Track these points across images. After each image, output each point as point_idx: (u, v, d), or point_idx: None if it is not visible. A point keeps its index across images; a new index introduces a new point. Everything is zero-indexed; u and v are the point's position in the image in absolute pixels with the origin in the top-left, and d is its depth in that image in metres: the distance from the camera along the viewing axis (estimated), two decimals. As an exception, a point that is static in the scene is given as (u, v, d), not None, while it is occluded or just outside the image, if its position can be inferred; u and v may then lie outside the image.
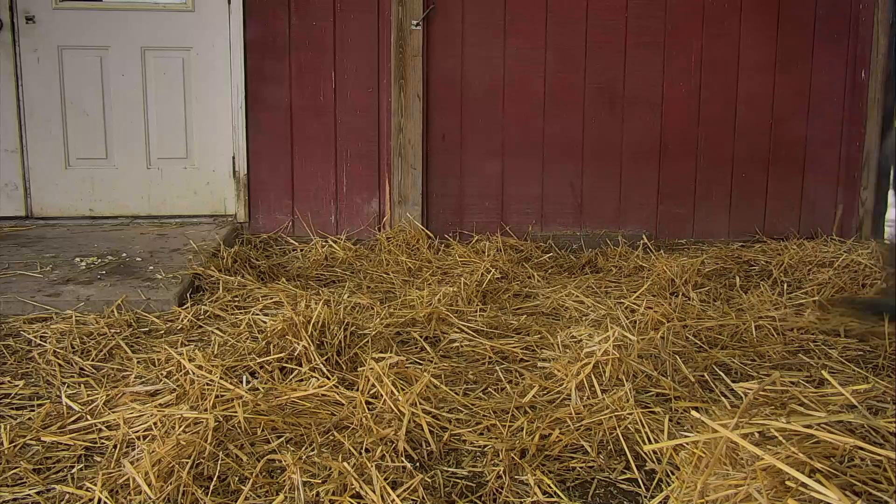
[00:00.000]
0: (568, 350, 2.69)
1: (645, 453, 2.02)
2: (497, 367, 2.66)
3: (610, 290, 3.69)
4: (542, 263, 4.28)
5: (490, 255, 4.21)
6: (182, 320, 3.00)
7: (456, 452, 2.07)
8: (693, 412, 2.02)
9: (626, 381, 2.37)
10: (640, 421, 2.14)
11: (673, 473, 1.91)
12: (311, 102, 4.75)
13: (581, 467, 2.00)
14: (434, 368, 2.59)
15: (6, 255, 3.88)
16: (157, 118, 4.82)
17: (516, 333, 3.04)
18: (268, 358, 2.54)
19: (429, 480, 1.89)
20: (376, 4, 4.67)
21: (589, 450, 2.06)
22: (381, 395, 2.23)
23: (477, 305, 3.38)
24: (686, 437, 2.02)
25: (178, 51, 4.77)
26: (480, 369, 2.68)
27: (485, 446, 2.08)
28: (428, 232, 4.64)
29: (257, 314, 2.96)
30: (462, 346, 2.90)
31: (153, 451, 1.90)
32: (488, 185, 4.87)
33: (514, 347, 2.84)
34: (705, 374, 2.59)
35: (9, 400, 2.38)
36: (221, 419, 2.08)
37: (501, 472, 1.92)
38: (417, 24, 4.59)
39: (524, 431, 2.14)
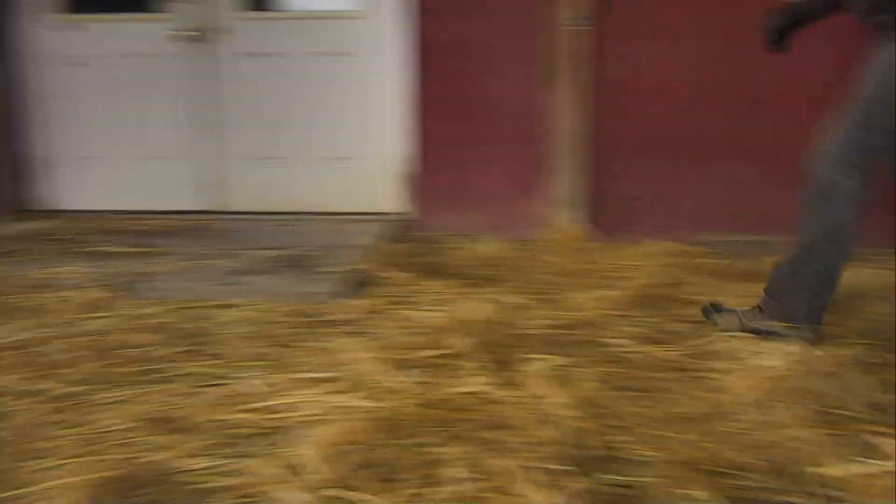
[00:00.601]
0: (741, 361, 2.57)
1: (825, 479, 1.89)
2: (663, 375, 2.59)
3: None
4: (713, 269, 4.09)
5: (657, 260, 4.09)
6: (351, 313, 3.14)
7: (618, 460, 2.03)
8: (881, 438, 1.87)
9: (805, 398, 2.23)
10: (820, 443, 2.01)
11: None
12: (477, 102, 4.82)
13: (754, 486, 1.91)
14: (596, 372, 2.56)
15: (195, 245, 4.25)
16: (329, 120, 5.07)
17: (684, 341, 2.93)
18: (429, 352, 2.60)
19: (590, 486, 1.87)
20: (544, 3, 4.66)
21: (762, 469, 1.96)
22: (543, 397, 2.23)
23: (642, 311, 3.29)
24: (878, 464, 1.87)
25: (349, 55, 5.01)
26: (645, 376, 2.61)
27: (649, 456, 2.03)
28: (591, 234, 4.58)
29: (420, 310, 3.05)
30: (626, 352, 2.83)
31: (326, 435, 2.01)
32: (656, 187, 4.73)
33: (682, 356, 2.75)
34: (896, 396, 2.38)
35: (200, 378, 2.59)
36: (390, 409, 2.16)
37: (667, 483, 1.87)
38: (584, 23, 4.53)
39: (692, 444, 2.06)
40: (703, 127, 4.63)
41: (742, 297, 3.42)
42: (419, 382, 2.43)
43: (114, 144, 5.29)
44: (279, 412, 2.28)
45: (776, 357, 2.38)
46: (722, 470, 1.96)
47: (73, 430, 2.20)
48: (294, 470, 1.91)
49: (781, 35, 3.23)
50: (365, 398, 2.24)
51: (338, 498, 1.78)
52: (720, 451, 2.01)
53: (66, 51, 5.23)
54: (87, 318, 3.02)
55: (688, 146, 4.67)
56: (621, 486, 1.91)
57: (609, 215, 4.75)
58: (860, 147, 2.67)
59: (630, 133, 4.71)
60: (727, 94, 4.59)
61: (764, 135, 4.59)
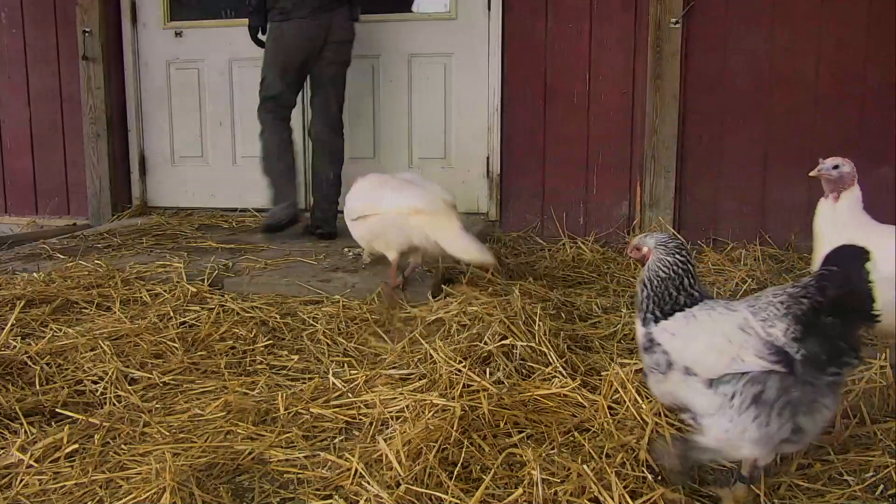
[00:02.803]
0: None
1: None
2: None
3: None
4: (805, 276, 3.93)
5: (746, 265, 3.96)
6: (434, 311, 3.16)
7: (699, 469, 1.97)
8: None
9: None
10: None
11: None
12: (565, 104, 4.77)
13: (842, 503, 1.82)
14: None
15: (288, 242, 4.36)
16: (419, 120, 5.13)
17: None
18: (508, 352, 2.59)
19: (669, 495, 1.82)
20: (633, 4, 4.58)
21: (851, 483, 1.87)
22: (624, 401, 2.19)
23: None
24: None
25: (440, 56, 5.04)
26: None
27: (730, 468, 1.97)
28: (679, 237, 4.47)
29: (504, 311, 3.03)
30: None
31: (404, 432, 2.03)
32: (747, 190, 4.58)
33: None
34: None
35: (285, 372, 2.67)
36: (467, 408, 2.17)
37: (750, 500, 1.81)
38: (677, 22, 4.43)
39: (778, 456, 1.99)
40: (805, 125, 4.45)
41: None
42: (500, 382, 2.42)
43: (208, 144, 5.51)
44: (361, 408, 2.32)
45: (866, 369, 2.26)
46: (809, 486, 1.88)
47: (163, 419, 2.29)
48: (374, 466, 1.94)
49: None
50: (445, 396, 2.25)
51: (416, 495, 1.79)
52: (812, 466, 1.93)
53: (163, 56, 5.48)
54: (180, 311, 3.14)
55: (787, 145, 4.50)
56: (702, 496, 1.85)
57: (698, 218, 4.63)
58: None
59: (717, 136, 4.57)
60: (834, 88, 4.39)
61: (872, 133, 4.36)
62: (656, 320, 1.77)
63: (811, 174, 2.41)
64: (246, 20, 4.57)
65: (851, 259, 1.64)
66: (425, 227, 3.23)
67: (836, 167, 2.36)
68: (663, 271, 1.78)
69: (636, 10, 4.57)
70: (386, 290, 3.35)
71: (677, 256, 1.78)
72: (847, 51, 4.34)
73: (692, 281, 1.77)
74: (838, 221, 2.33)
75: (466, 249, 3.22)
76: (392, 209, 3.27)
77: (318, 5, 4.34)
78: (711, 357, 1.67)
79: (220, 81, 5.42)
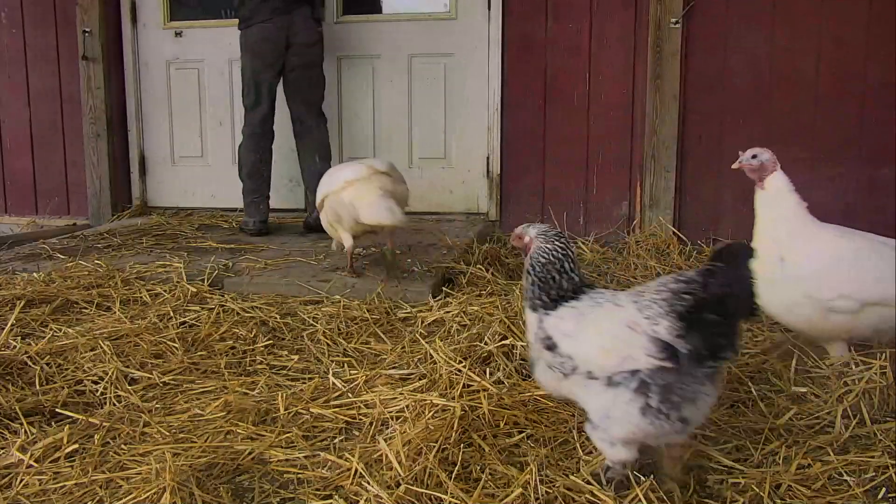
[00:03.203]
0: (829, 371, 2.46)
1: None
2: (749, 385, 2.50)
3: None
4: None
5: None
6: (433, 311, 3.16)
7: (699, 469, 1.97)
8: None
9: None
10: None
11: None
12: (565, 104, 4.77)
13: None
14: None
15: (289, 242, 4.37)
16: (418, 120, 5.13)
17: (773, 350, 2.83)
18: (508, 352, 2.59)
19: (661, 491, 1.82)
20: (633, 4, 4.58)
21: (851, 484, 1.87)
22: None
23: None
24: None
25: (440, 56, 5.04)
26: (731, 385, 2.53)
27: (732, 467, 1.97)
28: (680, 236, 4.48)
29: (503, 311, 3.03)
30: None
31: (404, 433, 2.03)
32: (747, 190, 4.53)
33: (767, 365, 2.65)
34: None
35: (285, 371, 2.67)
36: (467, 408, 2.17)
37: (748, 499, 1.81)
38: (677, 22, 4.43)
39: (778, 456, 1.99)
40: (805, 125, 4.45)
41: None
42: (500, 382, 2.43)
43: (208, 144, 5.51)
44: (361, 408, 2.32)
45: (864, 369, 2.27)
46: (810, 487, 1.88)
47: (163, 419, 2.29)
48: (374, 466, 1.94)
49: None
50: (445, 396, 2.25)
51: (415, 495, 1.79)
52: (811, 468, 1.93)
53: (163, 56, 5.48)
54: (180, 311, 3.14)
55: (788, 145, 4.49)
56: (702, 497, 1.85)
57: (699, 218, 4.63)
58: None
59: (717, 135, 4.57)
60: (834, 88, 4.39)
61: (873, 133, 4.36)
62: (545, 306, 1.85)
63: (733, 166, 2.60)
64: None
65: (736, 257, 1.71)
66: (352, 197, 3.31)
67: (754, 156, 2.57)
68: (543, 257, 1.88)
69: (636, 10, 4.57)
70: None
71: (556, 243, 1.89)
72: (847, 50, 4.34)
73: (572, 265, 1.88)
74: (771, 207, 2.50)
75: (373, 212, 3.26)
76: (332, 188, 3.42)
77: (276, 7, 4.42)
78: (604, 357, 1.74)
79: (220, 81, 5.42)
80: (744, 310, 1.71)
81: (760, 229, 2.51)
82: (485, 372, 2.47)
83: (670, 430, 1.70)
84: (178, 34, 5.43)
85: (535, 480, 1.83)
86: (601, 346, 1.74)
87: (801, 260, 2.41)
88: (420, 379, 2.46)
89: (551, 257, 1.88)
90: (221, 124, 5.45)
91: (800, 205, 2.47)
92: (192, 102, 5.49)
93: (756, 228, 2.52)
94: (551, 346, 1.81)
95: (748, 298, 1.70)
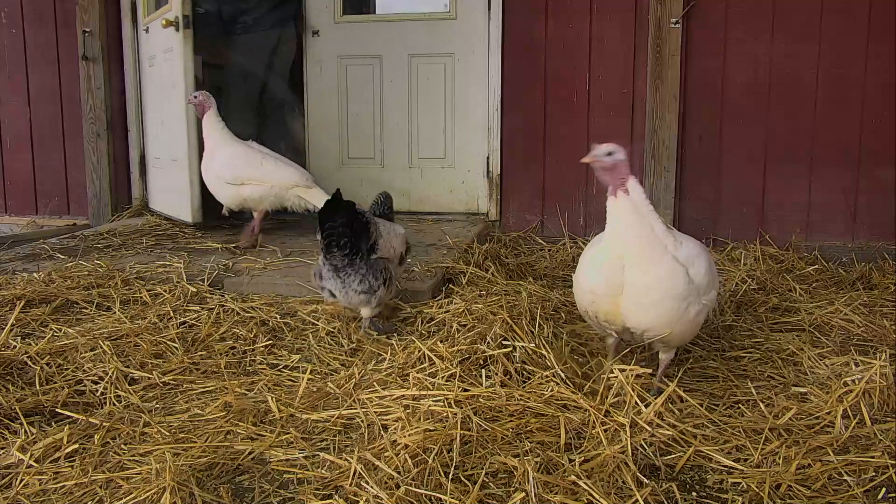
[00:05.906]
0: (830, 371, 2.46)
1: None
2: (748, 385, 2.50)
3: (886, 309, 3.31)
4: (805, 276, 3.94)
5: (746, 265, 3.96)
6: (433, 311, 3.16)
7: (700, 469, 1.97)
8: None
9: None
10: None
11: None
12: (565, 104, 4.77)
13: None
14: (678, 381, 2.49)
15: (290, 242, 4.37)
16: (419, 121, 5.13)
17: (775, 351, 2.83)
18: (507, 356, 2.59)
19: (661, 496, 1.82)
20: (634, 4, 4.58)
21: (851, 484, 1.87)
22: (623, 404, 2.19)
23: (729, 317, 3.20)
24: None
25: (440, 57, 5.04)
26: (729, 386, 2.53)
27: (732, 467, 1.97)
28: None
29: (502, 311, 3.02)
30: (708, 361, 2.76)
31: (404, 434, 2.03)
32: (747, 190, 4.58)
33: (769, 366, 2.65)
34: None
35: (286, 372, 2.67)
36: (467, 410, 2.17)
37: (748, 499, 1.81)
38: (677, 23, 4.43)
39: (778, 456, 1.99)
40: (804, 127, 4.46)
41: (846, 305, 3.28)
42: (497, 387, 2.42)
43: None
44: (359, 409, 2.32)
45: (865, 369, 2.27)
46: (810, 487, 1.88)
47: (163, 419, 2.29)
48: (373, 466, 1.94)
49: None
50: (445, 398, 2.25)
51: (415, 496, 1.79)
52: (811, 469, 1.93)
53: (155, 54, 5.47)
54: (180, 311, 3.14)
55: (787, 147, 4.50)
56: (703, 497, 1.85)
57: (698, 217, 4.63)
58: None
59: (717, 136, 4.57)
60: (834, 90, 4.39)
61: (872, 135, 4.36)
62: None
63: (583, 160, 2.36)
64: None
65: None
66: (303, 195, 4.24)
67: (609, 154, 2.34)
68: None
69: (636, 11, 4.57)
70: (246, 234, 4.30)
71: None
72: (847, 50, 4.34)
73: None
74: (640, 211, 2.42)
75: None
76: (277, 181, 4.21)
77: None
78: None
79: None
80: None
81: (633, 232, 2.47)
82: (486, 376, 2.46)
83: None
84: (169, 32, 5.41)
85: (533, 483, 1.82)
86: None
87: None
88: (421, 382, 2.45)
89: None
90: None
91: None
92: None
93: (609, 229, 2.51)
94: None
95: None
